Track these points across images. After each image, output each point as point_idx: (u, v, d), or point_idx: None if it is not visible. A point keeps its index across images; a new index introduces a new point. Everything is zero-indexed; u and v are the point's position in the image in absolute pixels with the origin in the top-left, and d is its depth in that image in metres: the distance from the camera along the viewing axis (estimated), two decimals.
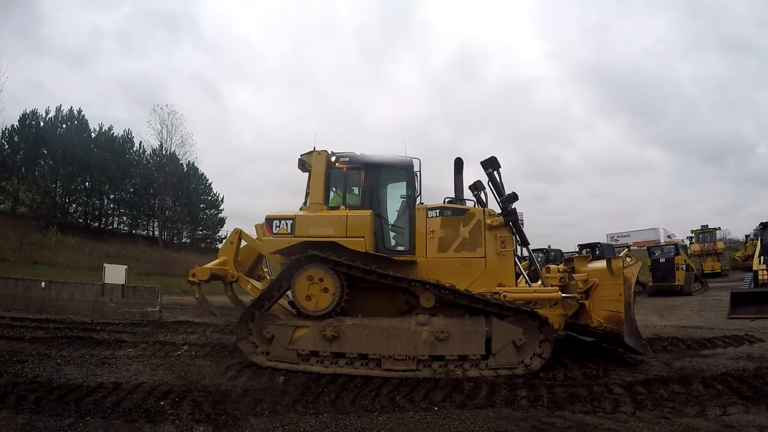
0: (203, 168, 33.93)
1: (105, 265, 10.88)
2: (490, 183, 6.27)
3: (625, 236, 35.77)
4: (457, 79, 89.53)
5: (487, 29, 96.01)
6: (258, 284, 6.71)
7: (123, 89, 51.75)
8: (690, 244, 22.63)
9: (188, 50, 65.65)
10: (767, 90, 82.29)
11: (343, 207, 6.01)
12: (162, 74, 58.25)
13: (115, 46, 55.13)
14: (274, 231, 5.87)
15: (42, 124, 27.28)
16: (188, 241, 33.05)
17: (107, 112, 52.52)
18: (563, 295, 5.97)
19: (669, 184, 72.77)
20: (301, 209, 6.20)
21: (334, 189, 6.31)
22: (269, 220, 5.90)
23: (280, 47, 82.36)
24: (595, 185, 75.08)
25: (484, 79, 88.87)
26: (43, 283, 10.23)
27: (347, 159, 6.16)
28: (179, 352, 6.38)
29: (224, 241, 7.24)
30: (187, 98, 57.85)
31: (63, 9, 52.48)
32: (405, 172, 6.26)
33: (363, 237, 5.65)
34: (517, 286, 6.09)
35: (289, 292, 5.72)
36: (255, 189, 54.03)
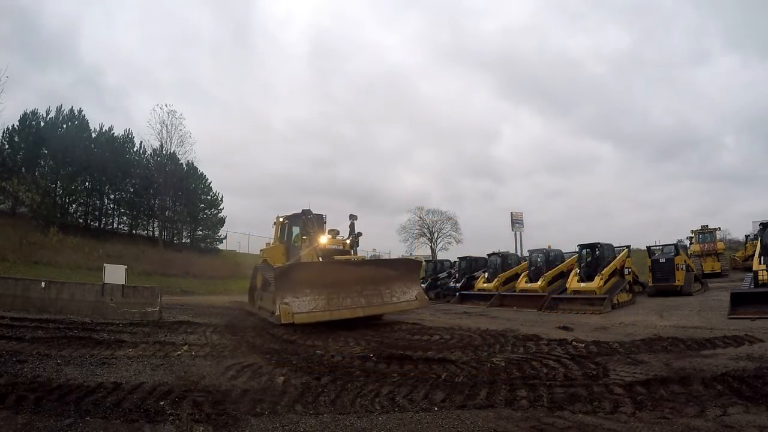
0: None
1: (105, 265, 10.86)
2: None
3: None
4: (331, 75, 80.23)
5: (336, 21, 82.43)
6: None
7: None
8: (690, 244, 22.64)
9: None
10: (707, 67, 72.22)
11: None
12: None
13: None
14: None
15: (42, 124, 27.28)
16: (188, 241, 33.04)
17: None
18: None
19: (632, 183, 68.05)
20: None
21: None
22: None
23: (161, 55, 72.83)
24: (546, 183, 69.50)
25: (354, 72, 79.10)
26: (43, 283, 10.21)
27: None
28: (179, 352, 6.38)
29: None
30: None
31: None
32: None
33: None
34: None
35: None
36: None
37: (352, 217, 11.93)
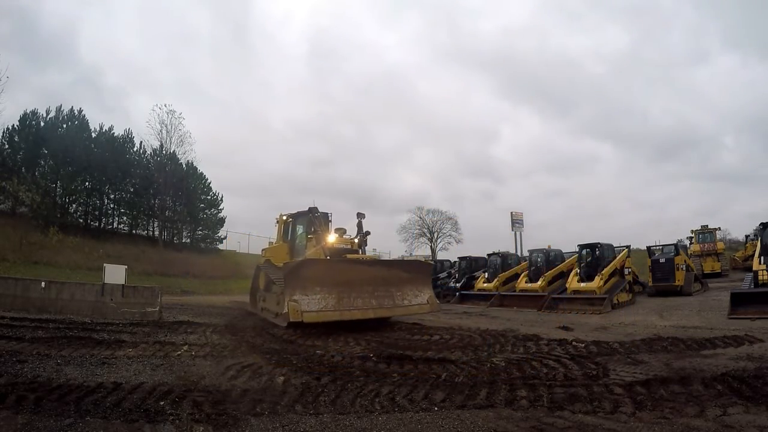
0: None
1: (105, 265, 10.86)
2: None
3: None
4: (329, 75, 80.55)
5: (335, 21, 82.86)
6: None
7: None
8: (690, 244, 22.64)
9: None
10: (707, 67, 72.49)
11: None
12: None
13: None
14: None
15: (42, 124, 27.28)
16: (188, 241, 33.05)
17: None
18: None
19: (632, 183, 68.32)
20: None
21: None
22: None
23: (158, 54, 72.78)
24: (545, 183, 69.62)
25: (353, 72, 79.53)
26: (43, 283, 10.20)
27: None
28: (179, 352, 6.38)
29: None
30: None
31: None
32: None
33: None
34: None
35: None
36: None
37: (360, 216, 11.61)
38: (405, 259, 28.86)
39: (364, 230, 11.53)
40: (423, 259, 25.90)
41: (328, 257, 10.47)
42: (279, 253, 12.18)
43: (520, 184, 70.24)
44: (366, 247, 11.69)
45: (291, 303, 8.47)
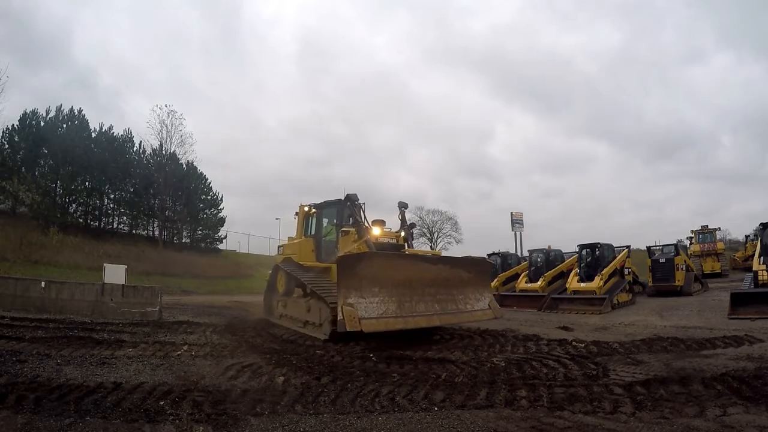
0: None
1: (105, 264, 10.88)
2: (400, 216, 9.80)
3: None
4: (321, 75, 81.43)
5: (325, 21, 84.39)
6: None
7: None
8: (690, 244, 22.66)
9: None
10: (702, 65, 73.96)
11: None
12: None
13: None
14: None
15: (42, 123, 27.28)
16: (188, 241, 33.05)
17: None
18: None
19: (630, 182, 69.04)
20: None
21: None
22: None
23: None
24: (542, 183, 70.46)
25: (345, 72, 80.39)
26: (43, 283, 10.21)
27: None
28: (179, 352, 6.39)
29: None
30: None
31: None
32: None
33: None
34: None
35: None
36: None
37: (402, 206, 9.84)
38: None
39: (409, 222, 9.81)
40: None
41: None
42: (303, 250, 10.44)
43: (517, 183, 70.56)
44: (413, 241, 9.94)
45: (346, 308, 6.86)
